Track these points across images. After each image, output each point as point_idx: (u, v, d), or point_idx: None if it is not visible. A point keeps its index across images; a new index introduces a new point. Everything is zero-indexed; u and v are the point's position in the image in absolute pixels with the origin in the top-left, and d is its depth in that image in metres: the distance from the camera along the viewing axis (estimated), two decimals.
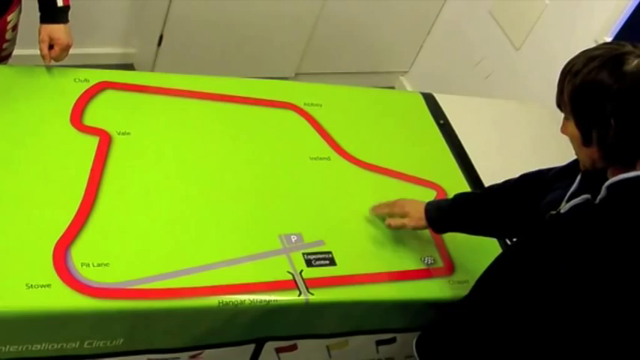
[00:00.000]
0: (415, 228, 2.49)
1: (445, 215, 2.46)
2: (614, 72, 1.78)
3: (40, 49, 2.53)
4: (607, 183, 1.86)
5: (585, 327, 1.89)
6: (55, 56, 2.55)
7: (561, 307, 1.93)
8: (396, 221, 2.49)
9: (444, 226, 2.49)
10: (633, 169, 1.84)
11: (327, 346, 2.54)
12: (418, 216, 2.47)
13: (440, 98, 3.19)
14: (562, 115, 1.94)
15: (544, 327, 1.98)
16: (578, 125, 1.87)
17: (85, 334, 2.14)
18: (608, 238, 1.83)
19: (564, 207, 1.97)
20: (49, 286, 2.06)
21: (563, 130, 1.94)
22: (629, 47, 1.81)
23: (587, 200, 1.92)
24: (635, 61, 1.77)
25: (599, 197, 1.87)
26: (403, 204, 2.52)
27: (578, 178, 2.00)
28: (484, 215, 2.41)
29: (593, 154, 1.88)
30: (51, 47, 2.53)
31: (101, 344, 2.18)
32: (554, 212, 2.00)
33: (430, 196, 2.74)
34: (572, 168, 2.12)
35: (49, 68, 2.59)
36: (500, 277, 2.16)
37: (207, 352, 2.37)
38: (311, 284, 2.32)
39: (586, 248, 1.87)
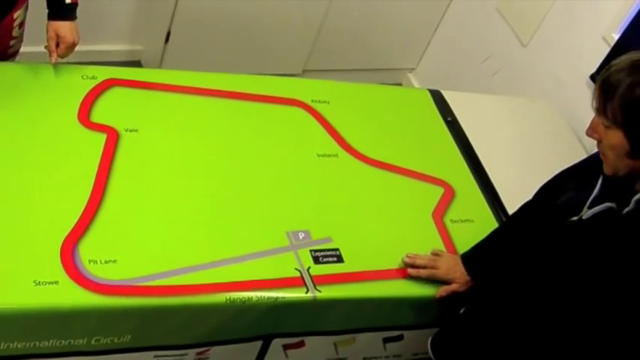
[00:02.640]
0: (466, 290, 2.44)
1: (487, 269, 2.40)
2: None
3: (48, 46, 2.53)
4: (637, 197, 1.84)
5: (607, 330, 1.89)
6: (61, 54, 2.55)
7: (584, 313, 1.92)
8: (446, 290, 2.43)
9: (488, 276, 2.43)
10: None
11: (335, 343, 2.54)
12: (465, 279, 2.42)
13: (447, 95, 3.19)
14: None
15: (563, 332, 1.97)
16: (630, 138, 1.83)
17: (93, 330, 2.15)
18: (636, 251, 1.81)
19: (586, 213, 1.95)
20: (56, 282, 2.07)
21: (595, 135, 1.90)
22: None
23: (610, 209, 1.90)
24: None
25: (628, 210, 1.85)
26: (446, 272, 2.44)
27: (600, 182, 1.97)
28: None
29: (636, 166, 1.85)
30: (57, 45, 2.53)
31: (108, 341, 2.19)
32: (575, 219, 1.98)
33: (437, 192, 2.74)
34: (586, 168, 2.10)
35: (56, 65, 2.59)
36: (518, 281, 2.15)
37: (214, 349, 2.37)
38: (318, 281, 2.32)
39: (612, 260, 1.85)
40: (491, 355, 2.16)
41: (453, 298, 2.44)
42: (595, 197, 1.96)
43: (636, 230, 1.83)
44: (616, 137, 1.85)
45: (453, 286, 2.43)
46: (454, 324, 2.37)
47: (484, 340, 2.19)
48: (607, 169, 1.92)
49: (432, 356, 2.39)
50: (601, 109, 1.86)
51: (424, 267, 2.45)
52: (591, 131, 1.91)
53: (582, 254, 1.93)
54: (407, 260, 2.46)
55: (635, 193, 1.86)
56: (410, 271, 2.45)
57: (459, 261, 2.46)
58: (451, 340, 2.34)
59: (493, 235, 2.46)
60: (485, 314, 2.23)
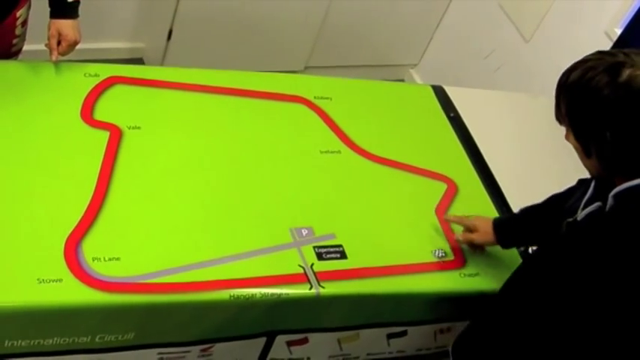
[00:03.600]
0: (483, 244, 2.51)
1: (512, 230, 2.45)
2: (610, 83, 1.76)
3: (49, 44, 2.53)
4: (613, 192, 1.85)
5: (604, 337, 1.89)
6: (62, 52, 2.55)
7: (579, 315, 1.92)
8: (464, 236, 2.50)
9: (511, 242, 2.49)
10: (639, 176, 1.83)
11: (338, 340, 2.54)
12: (486, 231, 2.46)
13: (450, 91, 3.18)
14: (561, 125, 1.93)
15: (569, 335, 1.97)
16: (577, 138, 1.87)
17: (97, 328, 2.15)
18: (617, 247, 1.82)
19: (580, 215, 1.96)
20: (60, 280, 2.07)
21: (567, 139, 1.94)
22: (621, 57, 1.79)
23: (599, 208, 1.91)
24: (628, 72, 1.75)
25: (608, 206, 1.87)
26: (473, 219, 2.52)
27: (592, 184, 1.99)
28: (550, 226, 2.37)
29: (596, 165, 1.88)
30: (59, 43, 2.54)
31: (112, 338, 2.19)
32: (570, 220, 1.99)
33: (440, 188, 2.74)
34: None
35: (59, 63, 2.59)
36: (524, 286, 2.15)
37: (218, 345, 2.37)
38: (322, 277, 2.32)
39: (598, 257, 1.86)
40: (511, 357, 2.16)
41: (467, 299, 2.46)
42: (588, 198, 1.98)
43: (615, 225, 1.84)
44: (571, 139, 1.90)
45: (474, 235, 2.48)
46: (474, 327, 2.36)
47: (503, 342, 2.18)
48: (589, 173, 1.97)
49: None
50: (557, 116, 1.92)
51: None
52: (566, 137, 1.95)
53: (577, 254, 1.93)
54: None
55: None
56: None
57: (491, 221, 2.49)
58: (472, 344, 2.33)
59: (529, 210, 2.47)
60: (501, 318, 2.22)
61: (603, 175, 1.90)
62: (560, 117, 1.90)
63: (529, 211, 2.45)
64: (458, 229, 2.60)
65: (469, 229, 2.52)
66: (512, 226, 2.48)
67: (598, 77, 1.78)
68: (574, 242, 1.96)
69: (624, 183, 1.84)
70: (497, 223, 2.47)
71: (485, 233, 2.48)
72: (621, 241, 1.82)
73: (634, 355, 1.88)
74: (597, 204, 1.92)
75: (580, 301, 1.91)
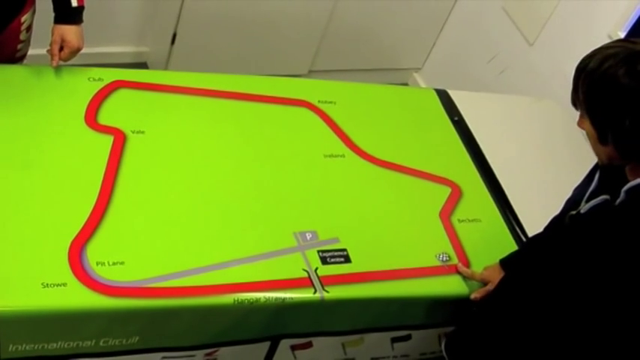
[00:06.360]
0: None
1: (520, 264, 2.39)
2: (629, 71, 1.76)
3: (51, 49, 2.54)
4: (626, 187, 1.84)
5: (605, 331, 1.88)
6: (64, 58, 2.55)
7: (579, 309, 1.92)
8: (480, 292, 2.44)
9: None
10: None
11: (343, 344, 2.54)
12: (499, 274, 2.40)
13: (454, 95, 3.18)
14: (576, 111, 1.93)
15: (567, 329, 1.96)
16: (594, 124, 1.86)
17: (101, 332, 2.15)
18: (628, 243, 1.81)
19: (584, 207, 1.95)
20: (64, 285, 2.07)
21: (580, 125, 1.93)
22: None
23: (606, 201, 1.90)
24: None
25: (619, 200, 1.86)
26: (482, 272, 2.48)
27: (597, 176, 1.98)
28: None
29: (610, 152, 1.86)
30: (62, 48, 2.54)
31: (117, 342, 2.19)
32: (573, 213, 1.98)
33: (444, 192, 2.74)
34: (593, 167, 2.11)
35: (63, 68, 2.59)
36: (523, 279, 2.15)
37: (222, 350, 2.37)
38: (326, 282, 2.32)
39: (605, 252, 1.85)
40: (505, 352, 2.16)
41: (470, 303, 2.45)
42: (592, 191, 1.98)
43: (626, 220, 1.83)
44: (587, 125, 1.88)
45: (489, 286, 2.41)
46: (467, 323, 2.36)
47: (498, 337, 2.19)
48: (598, 160, 1.95)
49: (447, 357, 2.38)
50: (573, 101, 1.91)
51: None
52: (579, 123, 1.94)
53: (580, 248, 1.93)
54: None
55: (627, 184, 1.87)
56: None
57: (499, 268, 2.45)
58: (465, 340, 2.34)
59: (532, 241, 2.46)
60: (498, 311, 2.22)
61: (616, 163, 1.88)
62: (577, 101, 1.90)
63: (533, 241, 2.44)
64: (464, 236, 2.60)
65: (483, 283, 2.46)
66: (519, 260, 2.42)
67: (617, 65, 1.78)
68: (578, 235, 1.95)
69: (639, 178, 1.83)
70: (504, 262, 2.44)
71: (498, 278, 2.39)
72: (633, 238, 1.81)
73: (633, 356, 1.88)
74: (604, 197, 1.91)
75: (582, 294, 1.91)
